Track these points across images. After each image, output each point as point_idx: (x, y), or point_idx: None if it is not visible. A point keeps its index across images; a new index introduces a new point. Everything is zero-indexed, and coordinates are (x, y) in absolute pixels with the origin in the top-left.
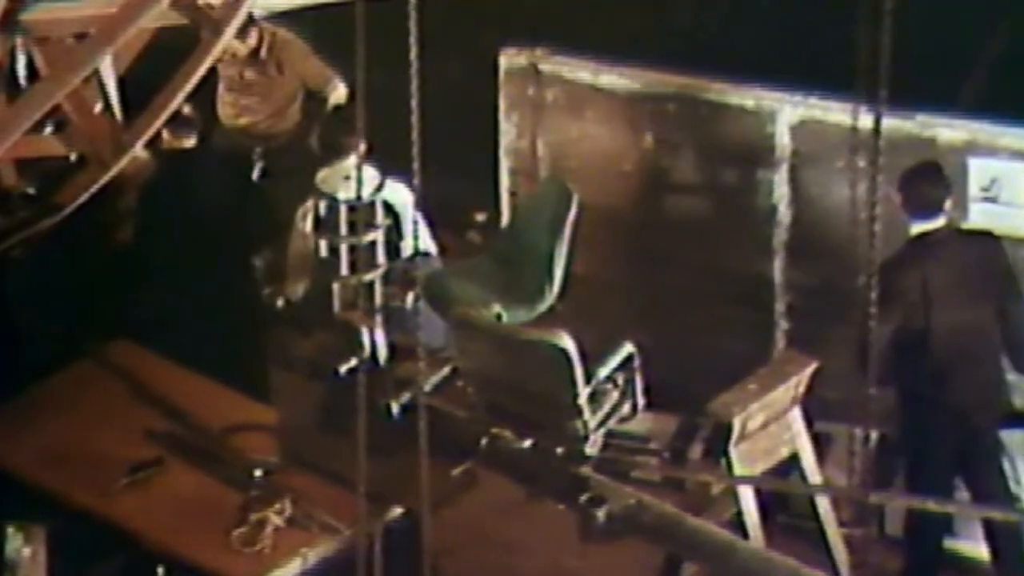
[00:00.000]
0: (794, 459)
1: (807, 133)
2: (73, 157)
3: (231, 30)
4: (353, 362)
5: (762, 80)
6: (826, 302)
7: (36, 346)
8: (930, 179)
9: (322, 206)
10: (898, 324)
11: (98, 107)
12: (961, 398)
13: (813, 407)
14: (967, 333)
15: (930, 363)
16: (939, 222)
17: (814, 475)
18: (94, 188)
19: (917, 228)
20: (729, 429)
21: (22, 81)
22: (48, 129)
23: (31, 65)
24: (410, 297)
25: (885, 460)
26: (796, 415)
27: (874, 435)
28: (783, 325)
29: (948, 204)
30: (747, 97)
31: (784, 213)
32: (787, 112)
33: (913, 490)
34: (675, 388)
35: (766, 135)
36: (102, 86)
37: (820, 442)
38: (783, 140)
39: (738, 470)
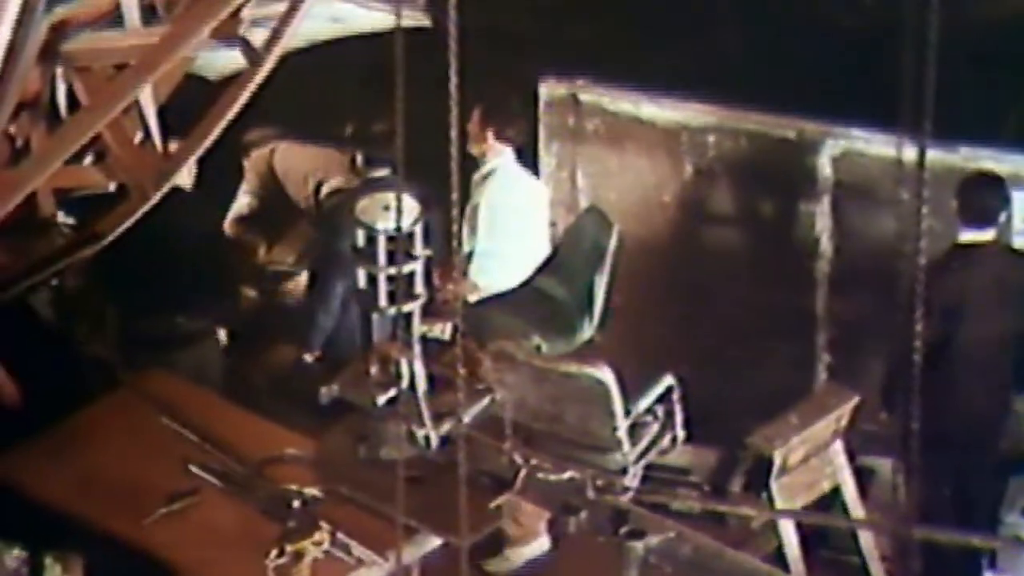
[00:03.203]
0: (836, 493)
1: (849, 165)
2: (113, 187)
3: (272, 60)
4: (392, 393)
5: (804, 111)
6: (868, 335)
7: (73, 375)
8: (989, 189)
9: (360, 236)
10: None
11: (138, 137)
12: (972, 410)
13: (855, 441)
14: (990, 347)
15: (949, 371)
16: (989, 234)
17: (856, 509)
18: (134, 218)
19: (966, 237)
20: (770, 462)
21: (62, 111)
22: (88, 159)
23: (71, 95)
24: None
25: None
26: (838, 449)
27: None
28: (825, 358)
29: (1003, 217)
30: (789, 128)
31: (826, 245)
32: (829, 144)
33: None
34: (715, 421)
35: (808, 167)
36: (142, 116)
37: (862, 476)
38: (825, 172)
39: (779, 504)
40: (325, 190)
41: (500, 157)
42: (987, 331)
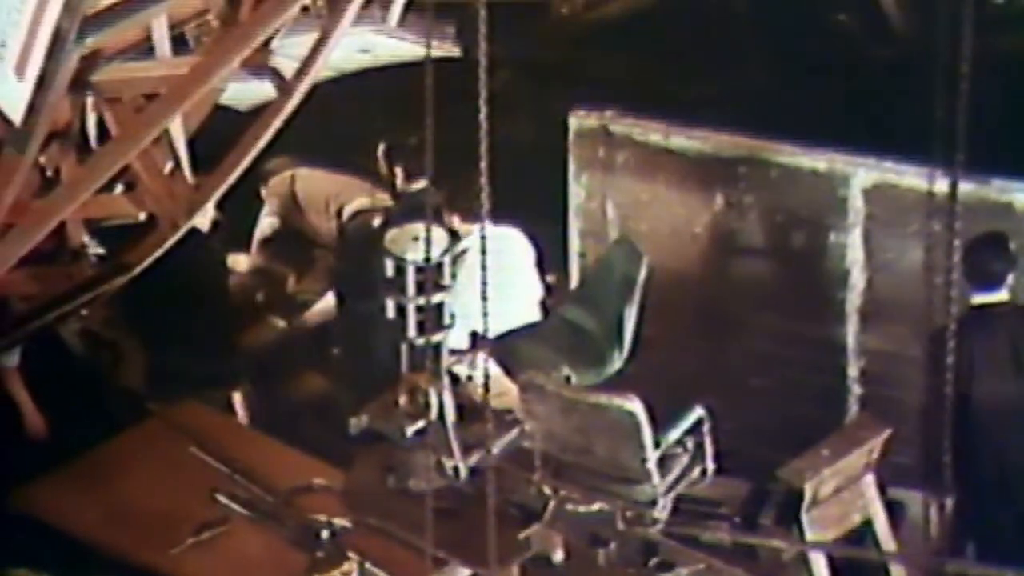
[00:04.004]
0: (867, 526)
1: (881, 197)
2: (142, 217)
3: (301, 90)
4: (420, 424)
5: (835, 143)
6: (900, 368)
7: (102, 406)
8: (993, 250)
9: (390, 266)
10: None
11: (168, 167)
12: (991, 471)
13: (887, 473)
14: (1006, 409)
15: (965, 435)
16: (1000, 295)
17: (888, 542)
18: (163, 248)
19: (977, 299)
20: (801, 495)
21: (92, 141)
22: (118, 189)
23: (101, 125)
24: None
25: (960, 527)
26: (869, 481)
27: (949, 502)
28: (856, 390)
29: (1011, 278)
30: (819, 160)
31: (857, 277)
32: (860, 175)
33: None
34: (746, 453)
35: (839, 199)
36: (172, 146)
37: (894, 509)
38: (856, 204)
39: (810, 536)
40: (347, 212)
41: (469, 237)
42: (1004, 390)
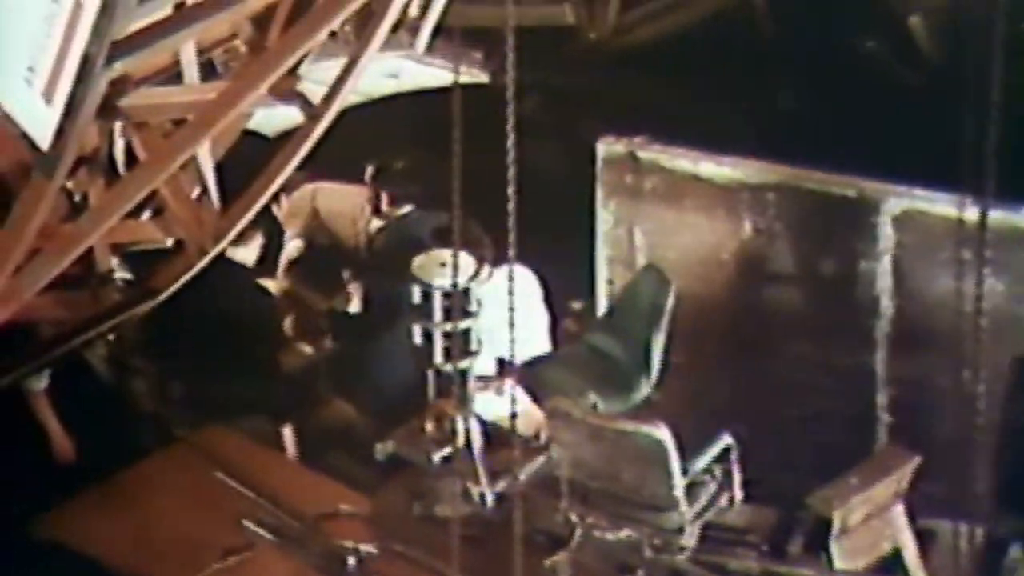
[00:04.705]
0: (897, 555)
1: (911, 224)
2: (170, 243)
3: (330, 116)
4: (447, 450)
5: (865, 170)
6: (930, 396)
7: (128, 431)
8: None
9: (416, 292)
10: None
11: (195, 193)
12: None
13: (916, 502)
14: None
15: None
16: None
17: (917, 571)
18: (190, 274)
19: None
20: (830, 523)
21: (120, 167)
22: (146, 215)
23: (129, 151)
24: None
25: (990, 558)
26: (899, 510)
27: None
28: (885, 419)
29: None
30: (849, 187)
31: (887, 305)
32: (890, 203)
33: None
34: (774, 481)
35: (868, 226)
36: (200, 172)
37: (923, 538)
38: (886, 231)
39: (839, 565)
40: (372, 228)
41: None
42: None
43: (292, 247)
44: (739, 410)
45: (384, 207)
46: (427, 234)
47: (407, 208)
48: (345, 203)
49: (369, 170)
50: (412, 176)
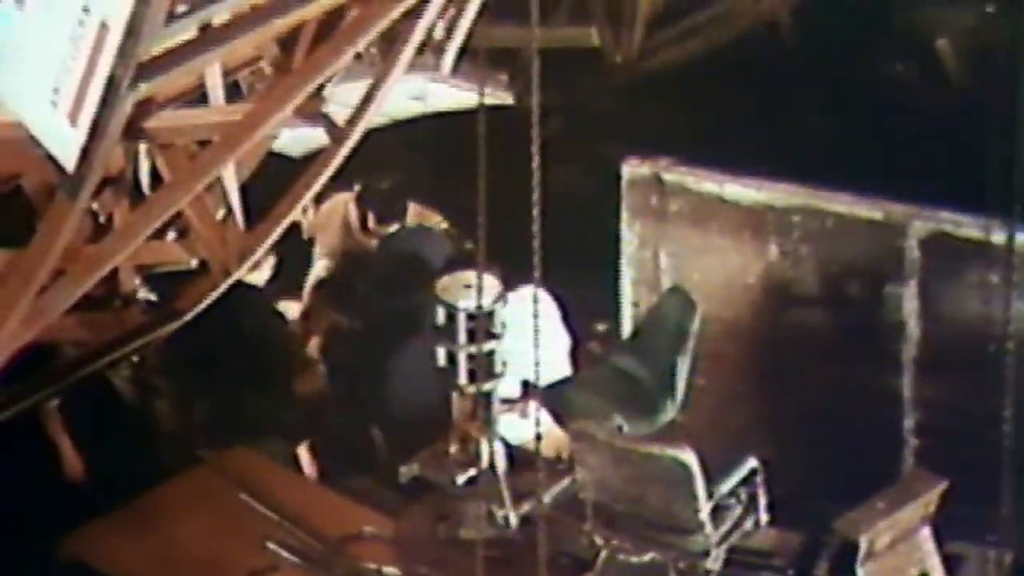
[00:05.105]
0: None
1: (937, 247)
2: (194, 264)
3: (354, 138)
4: (471, 472)
5: (891, 192)
6: (957, 419)
7: (152, 452)
8: None
9: (441, 314)
10: None
11: (220, 214)
12: None
13: (944, 526)
14: None
15: None
16: None
17: None
18: (215, 295)
19: None
20: (856, 547)
21: (145, 188)
22: (170, 236)
23: (154, 172)
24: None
25: None
26: (926, 534)
27: (1007, 556)
28: (912, 442)
29: None
30: (875, 209)
31: (913, 328)
32: (917, 225)
33: None
34: (800, 504)
35: (895, 249)
36: (224, 193)
37: (951, 563)
38: (912, 254)
39: None
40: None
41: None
42: None
43: (320, 267)
44: (765, 433)
45: (371, 225)
46: (425, 250)
47: (395, 226)
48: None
49: (356, 188)
50: (399, 195)
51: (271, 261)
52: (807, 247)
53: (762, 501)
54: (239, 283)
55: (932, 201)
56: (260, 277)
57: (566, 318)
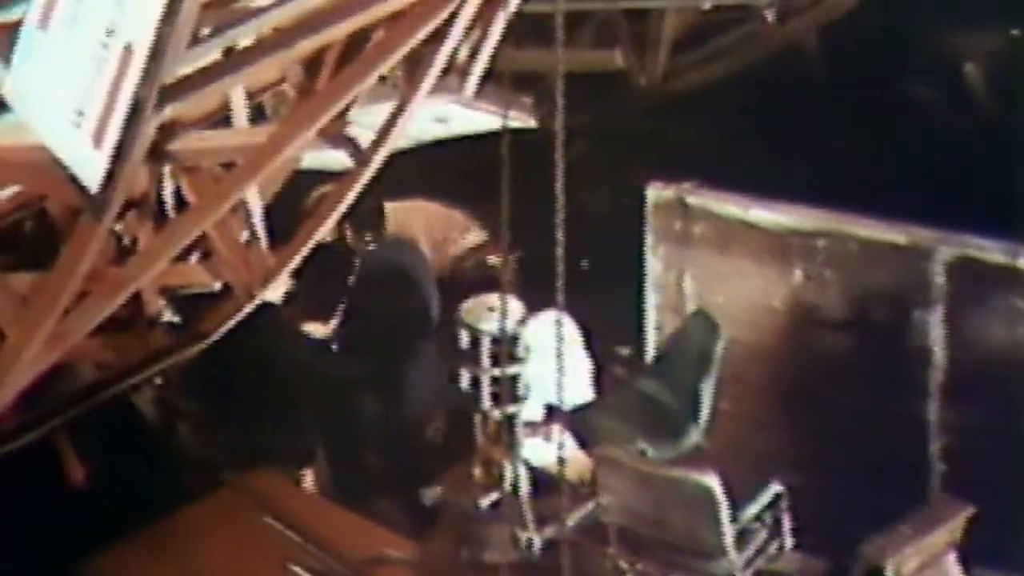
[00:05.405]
0: None
1: (963, 272)
2: (218, 286)
3: (379, 161)
4: (495, 496)
5: (916, 217)
6: (983, 445)
7: (175, 474)
8: None
9: (465, 337)
10: None
11: (244, 236)
12: None
13: (970, 552)
14: None
15: None
16: None
17: None
18: (238, 317)
19: None
20: (882, 572)
21: (169, 210)
22: (194, 258)
23: (178, 194)
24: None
25: None
26: (952, 560)
27: None
28: (938, 468)
29: None
30: (900, 234)
31: (939, 354)
32: (942, 250)
33: None
34: (825, 529)
35: (920, 273)
36: (248, 215)
37: None
38: (938, 279)
39: None
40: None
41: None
42: None
43: None
44: (790, 457)
45: (350, 239)
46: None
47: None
48: (439, 224)
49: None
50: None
51: (287, 278)
52: (832, 271)
53: (787, 526)
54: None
55: (958, 226)
56: (275, 294)
57: (589, 342)
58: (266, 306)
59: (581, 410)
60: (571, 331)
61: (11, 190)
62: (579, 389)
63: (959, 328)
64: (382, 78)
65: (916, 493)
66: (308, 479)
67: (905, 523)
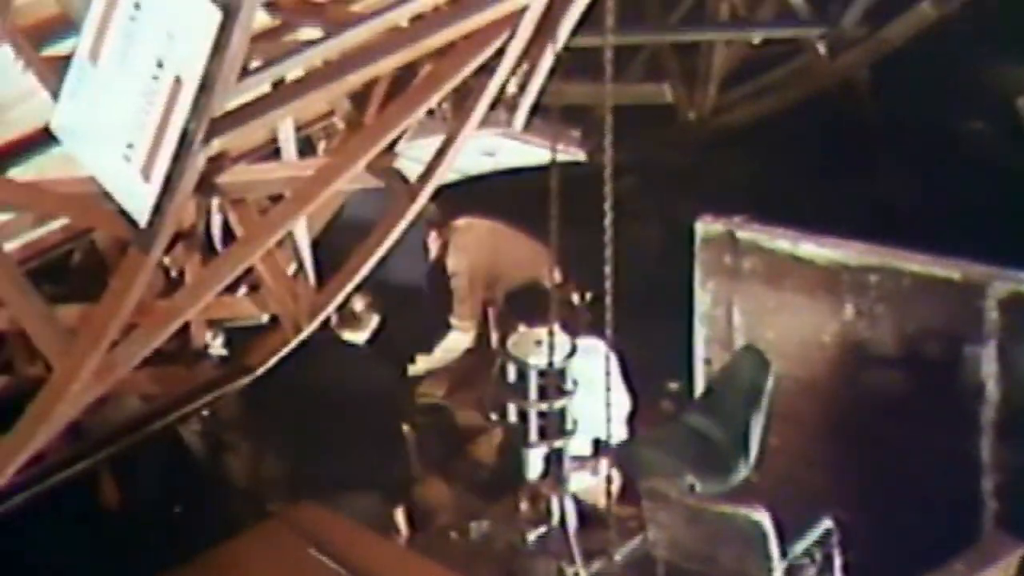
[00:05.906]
0: None
1: (1017, 308)
2: (265, 319)
3: (426, 194)
4: (542, 530)
5: (969, 252)
6: None
7: (222, 506)
8: None
9: (512, 370)
10: None
11: (291, 269)
12: None
13: None
14: None
15: None
16: None
17: None
18: (285, 351)
19: None
20: None
21: (217, 243)
22: (242, 291)
23: (226, 227)
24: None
25: None
26: None
27: None
28: (991, 505)
29: None
30: (953, 269)
31: (992, 390)
32: (996, 286)
33: None
34: (875, 566)
35: (973, 309)
36: (296, 249)
37: None
38: (992, 315)
39: None
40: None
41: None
42: None
43: (455, 341)
44: (840, 493)
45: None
46: None
47: None
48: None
49: None
50: None
51: (373, 322)
52: (883, 307)
53: (837, 562)
54: (338, 340)
55: (1012, 262)
56: (360, 338)
57: (628, 378)
58: (350, 347)
59: (629, 444)
60: (611, 366)
61: (59, 222)
62: (615, 425)
63: (1012, 364)
64: (430, 111)
65: (968, 531)
66: (400, 519)
67: (958, 561)
